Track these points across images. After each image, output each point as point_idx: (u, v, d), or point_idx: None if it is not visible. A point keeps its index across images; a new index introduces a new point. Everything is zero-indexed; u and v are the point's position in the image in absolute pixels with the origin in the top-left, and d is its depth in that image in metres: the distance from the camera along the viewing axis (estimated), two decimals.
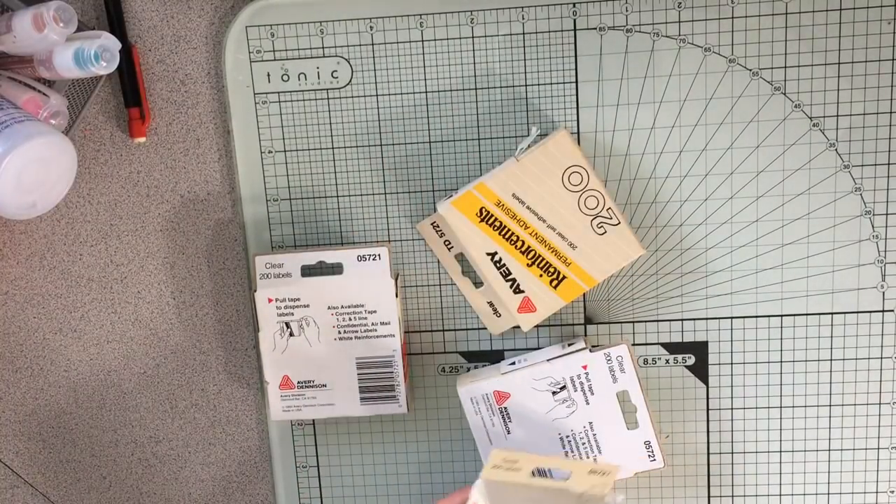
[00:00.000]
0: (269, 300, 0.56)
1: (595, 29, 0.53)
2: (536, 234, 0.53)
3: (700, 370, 0.58)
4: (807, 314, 0.56)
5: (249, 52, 0.55)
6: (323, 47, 0.54)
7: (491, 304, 0.57)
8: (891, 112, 0.53)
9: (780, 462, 0.58)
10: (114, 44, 0.47)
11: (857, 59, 0.53)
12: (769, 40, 0.53)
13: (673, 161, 0.55)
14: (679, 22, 0.53)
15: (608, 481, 0.49)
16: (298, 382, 0.57)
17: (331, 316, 0.56)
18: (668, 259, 0.56)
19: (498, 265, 0.54)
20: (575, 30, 0.53)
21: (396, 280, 0.56)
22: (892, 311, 0.56)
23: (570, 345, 0.55)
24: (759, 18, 0.52)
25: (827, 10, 0.52)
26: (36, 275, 0.59)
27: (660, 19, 0.53)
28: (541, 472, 0.54)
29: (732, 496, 0.59)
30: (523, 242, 0.53)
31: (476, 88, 0.55)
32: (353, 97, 0.55)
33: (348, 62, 0.55)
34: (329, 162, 0.56)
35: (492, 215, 0.53)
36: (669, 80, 0.54)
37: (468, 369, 0.59)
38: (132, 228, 0.58)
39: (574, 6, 0.53)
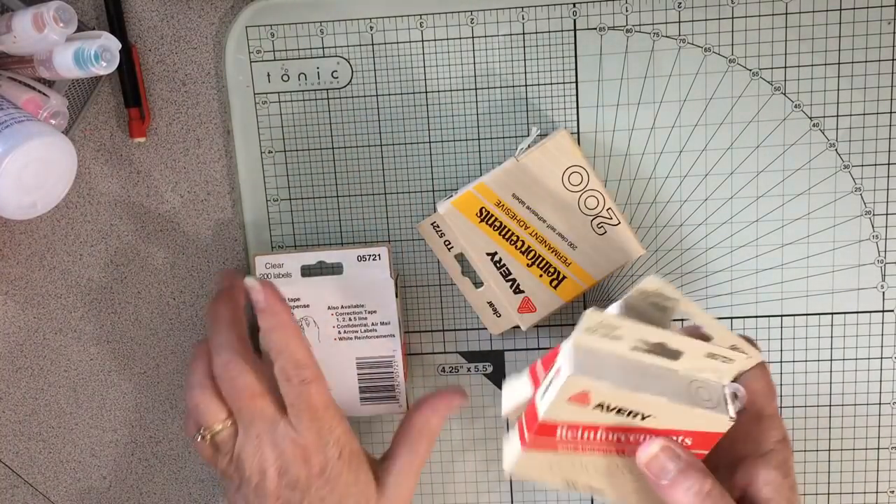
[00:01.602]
0: None
1: (595, 29, 0.53)
2: (536, 234, 0.53)
3: None
4: (807, 314, 0.56)
5: (249, 52, 0.55)
6: (323, 47, 0.54)
7: (491, 304, 0.57)
8: (891, 112, 0.53)
9: None
10: (114, 44, 0.47)
11: (857, 59, 0.53)
12: (769, 40, 0.53)
13: (673, 161, 0.55)
14: (679, 22, 0.53)
15: (731, 370, 0.42)
16: None
17: (331, 316, 0.56)
18: (668, 259, 0.56)
19: (498, 265, 0.54)
20: (575, 30, 0.53)
21: (396, 280, 0.56)
22: (892, 311, 0.56)
23: None
24: (759, 18, 0.52)
25: (827, 10, 0.52)
26: (36, 275, 0.59)
27: (660, 19, 0.53)
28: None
29: None
30: (523, 242, 0.53)
31: (476, 88, 0.55)
32: (353, 97, 0.55)
33: (348, 62, 0.55)
34: (329, 162, 0.56)
35: (492, 215, 0.53)
36: (669, 80, 0.54)
37: (468, 369, 0.59)
38: (132, 228, 0.58)
39: (574, 6, 0.53)
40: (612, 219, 0.53)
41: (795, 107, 0.54)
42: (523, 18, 0.53)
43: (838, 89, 0.53)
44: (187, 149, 0.57)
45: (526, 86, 0.54)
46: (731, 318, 0.56)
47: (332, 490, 0.49)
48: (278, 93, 0.55)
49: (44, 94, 0.51)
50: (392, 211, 0.57)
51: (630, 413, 0.42)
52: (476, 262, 0.54)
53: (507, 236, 0.53)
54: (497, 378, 0.59)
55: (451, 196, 0.53)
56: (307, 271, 0.56)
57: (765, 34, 0.53)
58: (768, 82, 0.53)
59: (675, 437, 0.43)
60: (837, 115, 0.53)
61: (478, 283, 0.57)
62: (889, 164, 0.54)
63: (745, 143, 0.54)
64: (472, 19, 0.54)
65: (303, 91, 0.55)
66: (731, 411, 0.42)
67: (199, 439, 0.51)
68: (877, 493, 0.59)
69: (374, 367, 0.56)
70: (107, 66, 0.47)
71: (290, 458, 0.49)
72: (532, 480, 0.45)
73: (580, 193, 0.53)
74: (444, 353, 0.59)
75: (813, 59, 0.53)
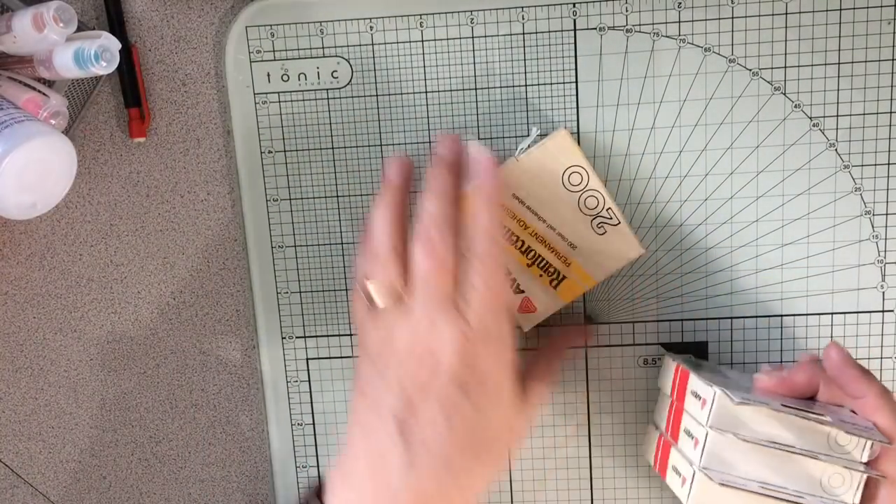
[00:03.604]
0: None
1: (595, 29, 0.53)
2: (536, 234, 0.53)
3: None
4: (807, 314, 0.56)
5: (249, 52, 0.55)
6: (323, 47, 0.54)
7: None
8: (891, 112, 0.53)
9: None
10: (114, 44, 0.47)
11: (857, 59, 0.53)
12: (769, 40, 0.53)
13: (673, 161, 0.55)
14: (679, 22, 0.53)
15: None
16: None
17: None
18: (668, 259, 0.56)
19: None
20: (575, 30, 0.53)
21: None
22: (892, 311, 0.56)
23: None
24: (759, 18, 0.52)
25: (827, 10, 0.52)
26: (36, 275, 0.59)
27: (660, 19, 0.53)
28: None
29: None
30: (523, 242, 0.53)
31: (476, 88, 0.55)
32: (353, 97, 0.55)
33: (348, 62, 0.55)
34: (329, 162, 0.56)
35: None
36: (669, 80, 0.54)
37: None
38: (132, 228, 0.58)
39: (574, 6, 0.53)
40: (612, 219, 0.53)
41: (795, 107, 0.54)
42: (523, 18, 0.53)
43: (838, 89, 0.53)
44: (187, 149, 0.57)
45: (526, 86, 0.54)
46: (732, 318, 0.57)
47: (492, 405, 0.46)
48: (278, 93, 0.55)
49: (44, 94, 0.51)
50: None
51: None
52: None
53: (506, 236, 0.53)
54: None
55: None
56: None
57: (765, 34, 0.53)
58: (768, 82, 0.53)
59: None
60: (837, 115, 0.53)
61: None
62: (889, 164, 0.54)
63: (745, 143, 0.54)
64: (472, 19, 0.54)
65: (303, 91, 0.55)
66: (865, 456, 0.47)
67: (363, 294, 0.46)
68: None
69: None
70: (107, 66, 0.47)
71: (463, 353, 0.45)
72: None
73: (580, 193, 0.53)
74: None
75: (813, 59, 0.53)
